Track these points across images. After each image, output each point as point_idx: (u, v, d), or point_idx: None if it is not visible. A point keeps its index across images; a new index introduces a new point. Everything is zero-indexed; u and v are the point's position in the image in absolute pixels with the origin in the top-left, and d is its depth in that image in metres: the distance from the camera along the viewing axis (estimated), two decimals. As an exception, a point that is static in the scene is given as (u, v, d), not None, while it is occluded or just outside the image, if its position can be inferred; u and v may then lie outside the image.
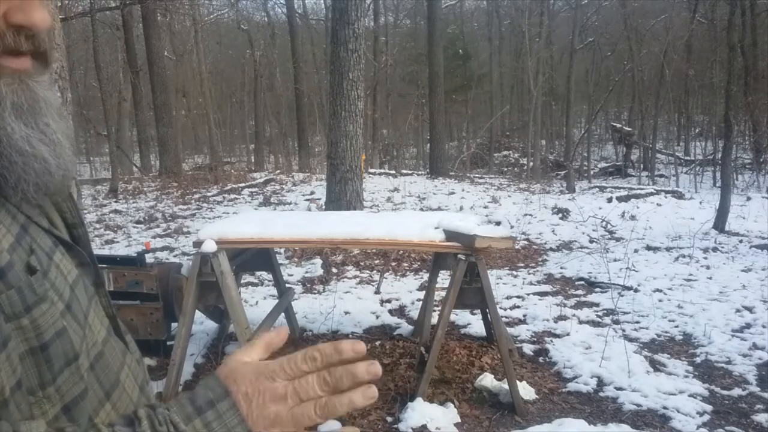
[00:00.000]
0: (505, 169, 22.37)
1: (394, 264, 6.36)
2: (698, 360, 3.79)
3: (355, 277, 5.94)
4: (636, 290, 5.23)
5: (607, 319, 4.55)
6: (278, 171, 16.31)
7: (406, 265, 6.40)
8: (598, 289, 5.40)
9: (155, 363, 3.66)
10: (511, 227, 8.28)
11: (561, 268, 6.22)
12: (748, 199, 10.30)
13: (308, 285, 5.61)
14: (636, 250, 6.89)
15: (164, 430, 0.56)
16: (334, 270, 6.11)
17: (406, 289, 5.43)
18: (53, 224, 0.68)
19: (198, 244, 3.13)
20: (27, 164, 0.58)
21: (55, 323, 0.58)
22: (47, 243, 0.63)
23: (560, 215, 9.11)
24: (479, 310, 4.03)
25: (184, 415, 0.57)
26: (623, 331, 4.27)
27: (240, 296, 3.68)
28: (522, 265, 6.51)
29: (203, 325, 4.15)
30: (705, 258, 6.44)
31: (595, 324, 4.46)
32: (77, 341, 0.62)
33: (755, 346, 3.91)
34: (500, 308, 4.67)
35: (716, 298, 5.02)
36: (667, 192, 11.40)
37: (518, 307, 4.89)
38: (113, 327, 0.73)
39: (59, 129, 0.62)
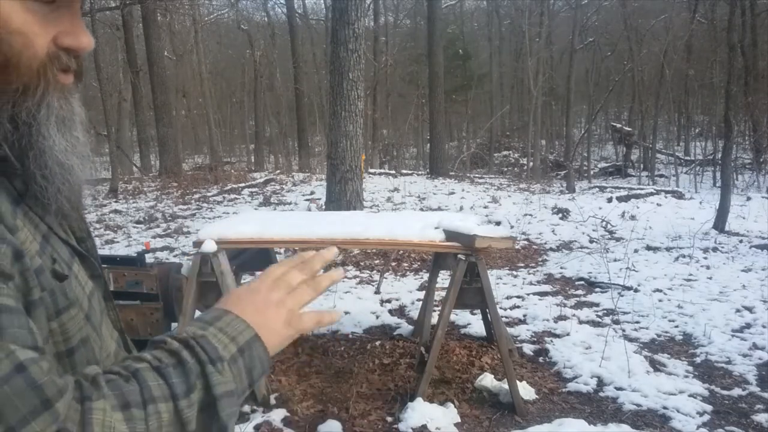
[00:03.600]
0: (505, 169, 22.36)
1: (394, 264, 6.36)
2: (698, 360, 3.79)
3: (355, 277, 5.94)
4: (636, 290, 5.23)
5: (607, 319, 4.55)
6: (278, 171, 16.30)
7: (406, 265, 6.40)
8: (598, 289, 5.40)
9: (155, 363, 3.66)
10: (511, 227, 8.28)
11: (561, 268, 6.22)
12: (748, 199, 10.30)
13: (308, 285, 5.60)
14: (636, 250, 6.89)
15: (187, 337, 0.61)
16: (334, 270, 6.10)
17: (406, 289, 5.42)
18: (68, 235, 0.69)
19: (198, 244, 3.13)
20: (64, 176, 0.62)
21: (80, 330, 0.60)
22: (65, 253, 0.65)
23: (560, 215, 9.11)
24: (479, 310, 4.03)
25: (198, 327, 0.64)
26: (623, 331, 4.27)
27: (240, 296, 3.67)
28: (522, 265, 6.50)
29: (203, 325, 4.15)
30: (705, 258, 6.44)
31: (595, 324, 4.46)
32: (97, 350, 0.64)
33: (755, 346, 3.91)
34: (500, 308, 4.67)
35: (716, 298, 5.02)
36: (667, 192, 11.39)
37: (518, 307, 4.89)
38: (123, 341, 0.75)
39: (87, 143, 0.66)
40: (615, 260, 6.37)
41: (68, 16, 0.60)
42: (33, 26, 0.57)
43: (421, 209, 9.75)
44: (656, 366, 3.66)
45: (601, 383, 3.42)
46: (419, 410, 2.97)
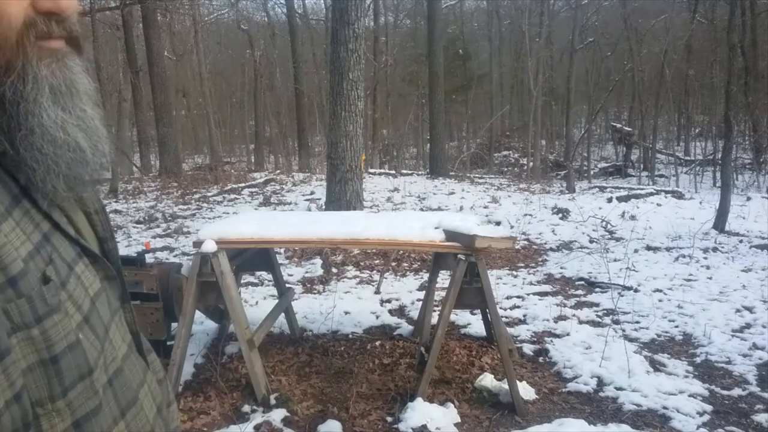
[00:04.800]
0: (505, 169, 22.37)
1: (394, 264, 6.36)
2: (698, 360, 3.79)
3: (355, 277, 5.93)
4: (636, 290, 5.23)
5: (607, 319, 4.55)
6: (278, 171, 16.30)
7: (406, 265, 6.40)
8: (598, 289, 5.40)
9: (155, 363, 3.66)
10: (511, 227, 8.28)
11: (561, 268, 6.21)
12: (748, 199, 10.30)
13: (308, 285, 5.61)
14: (636, 250, 6.89)
15: None
16: (334, 270, 6.10)
17: (406, 289, 5.42)
18: (81, 235, 0.66)
19: (198, 244, 3.13)
20: (57, 155, 0.57)
21: (67, 335, 0.57)
22: (70, 253, 0.62)
23: (560, 215, 9.10)
24: (479, 310, 4.03)
25: None
26: (623, 331, 4.27)
27: (240, 296, 3.68)
28: (522, 265, 6.50)
29: (203, 325, 4.15)
30: (705, 258, 6.43)
31: (595, 324, 4.46)
32: (93, 355, 0.60)
33: (755, 346, 3.91)
34: (500, 308, 4.67)
35: (716, 298, 5.02)
36: (667, 192, 11.39)
37: (518, 307, 4.89)
38: (136, 344, 0.72)
39: (96, 116, 0.62)
40: (615, 260, 6.37)
41: None
42: None
43: (421, 209, 9.75)
44: (656, 366, 3.66)
45: (601, 383, 3.42)
46: (419, 410, 2.97)
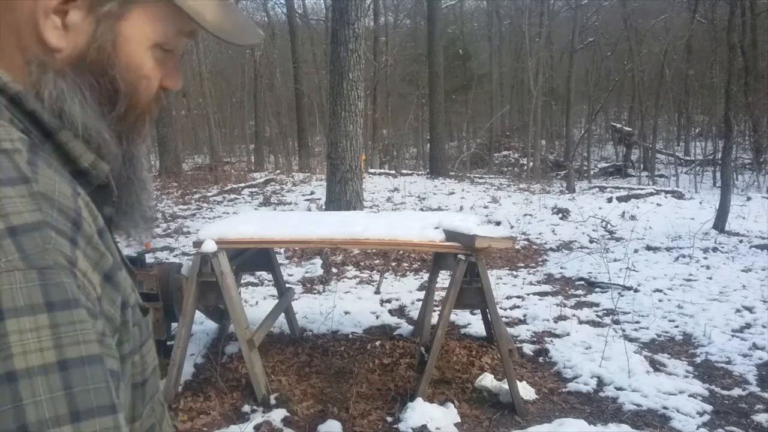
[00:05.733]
0: (505, 169, 22.36)
1: (394, 264, 6.36)
2: (698, 360, 3.79)
3: (355, 277, 5.93)
4: (636, 290, 5.23)
5: (607, 319, 4.55)
6: (278, 171, 16.30)
7: (406, 265, 6.40)
8: (598, 289, 5.40)
9: (155, 363, 3.65)
10: (511, 227, 8.28)
11: (561, 268, 6.21)
12: (748, 199, 10.30)
13: (308, 285, 5.61)
14: (636, 250, 6.89)
15: None
16: (334, 270, 6.10)
17: (406, 289, 5.42)
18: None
19: (198, 244, 3.13)
20: (144, 194, 0.67)
21: (153, 359, 0.62)
22: (128, 278, 0.64)
23: (560, 215, 9.10)
24: (479, 310, 4.03)
25: None
26: (623, 331, 4.27)
27: (240, 296, 3.68)
28: (522, 265, 6.50)
29: (203, 325, 4.15)
30: (705, 258, 6.43)
31: (595, 324, 4.46)
32: (158, 374, 0.65)
33: (755, 346, 3.91)
34: (500, 308, 4.67)
35: (716, 298, 5.02)
36: (667, 192, 11.40)
37: (518, 307, 4.89)
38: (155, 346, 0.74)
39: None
40: (615, 260, 6.37)
41: (173, 59, 0.63)
42: (155, 71, 0.60)
43: (421, 209, 9.75)
44: (656, 366, 3.66)
45: (601, 383, 3.43)
46: (419, 410, 2.97)
